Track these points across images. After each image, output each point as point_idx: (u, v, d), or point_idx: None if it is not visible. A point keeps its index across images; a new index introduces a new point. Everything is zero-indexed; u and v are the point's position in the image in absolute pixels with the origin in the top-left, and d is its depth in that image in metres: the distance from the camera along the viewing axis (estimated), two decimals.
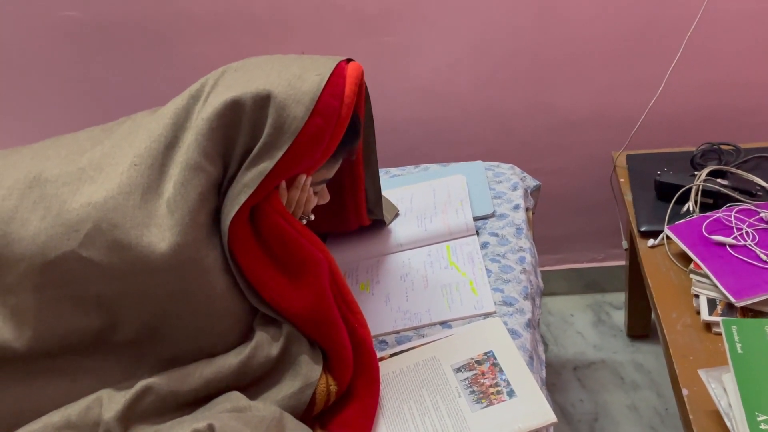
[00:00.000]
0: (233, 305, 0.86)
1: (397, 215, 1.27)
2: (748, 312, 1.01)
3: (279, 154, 0.82)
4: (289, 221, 0.86)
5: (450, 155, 1.58)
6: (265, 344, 0.85)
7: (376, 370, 0.91)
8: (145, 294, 0.81)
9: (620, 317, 1.75)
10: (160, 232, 0.79)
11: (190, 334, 0.85)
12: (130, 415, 0.79)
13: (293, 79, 0.84)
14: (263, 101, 0.82)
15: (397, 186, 1.36)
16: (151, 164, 0.82)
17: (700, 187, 1.22)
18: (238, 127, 0.83)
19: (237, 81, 0.85)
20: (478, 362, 0.95)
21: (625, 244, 1.51)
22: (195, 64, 1.49)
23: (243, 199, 0.82)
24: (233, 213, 0.82)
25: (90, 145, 0.88)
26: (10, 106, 1.58)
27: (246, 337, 0.87)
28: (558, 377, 1.61)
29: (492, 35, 1.44)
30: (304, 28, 1.45)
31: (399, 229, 1.23)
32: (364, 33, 1.45)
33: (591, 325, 1.74)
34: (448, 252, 1.18)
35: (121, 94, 1.55)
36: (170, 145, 0.83)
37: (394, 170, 1.44)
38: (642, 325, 1.65)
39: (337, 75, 0.86)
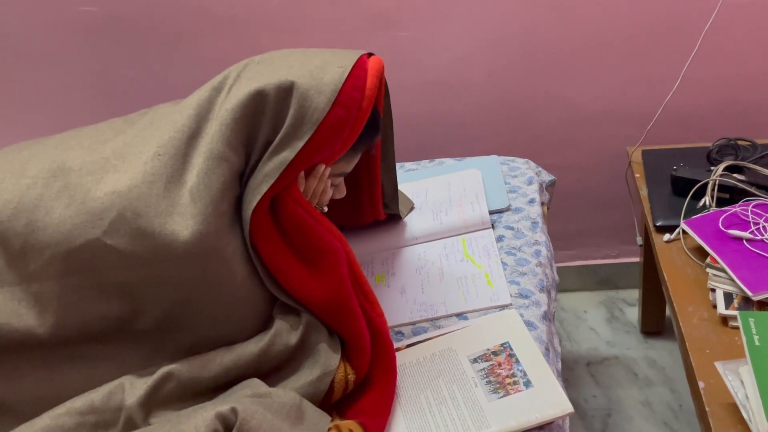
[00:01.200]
0: (253, 294, 0.87)
1: (412, 209, 1.27)
2: (765, 306, 1.01)
3: (300, 144, 0.83)
4: (308, 210, 0.87)
5: (465, 150, 1.58)
6: (284, 332, 0.86)
7: (393, 359, 0.92)
8: (166, 282, 0.82)
9: (634, 314, 1.75)
10: (183, 220, 0.80)
11: (210, 322, 0.86)
12: (151, 400, 0.80)
13: (315, 70, 0.85)
14: (286, 92, 0.83)
15: (412, 180, 1.37)
16: (174, 154, 0.83)
17: (717, 182, 1.22)
18: (261, 118, 0.84)
19: (260, 73, 0.86)
20: (495, 353, 0.95)
21: (639, 240, 1.51)
22: (211, 60, 1.51)
23: (264, 188, 0.83)
24: (255, 202, 0.83)
25: (112, 134, 0.89)
26: (29, 101, 1.60)
27: (265, 325, 0.88)
28: (571, 373, 1.61)
29: (507, 29, 1.44)
30: (320, 24, 1.46)
31: (414, 222, 1.24)
32: (379, 28, 1.45)
33: (604, 322, 1.74)
34: (464, 245, 1.18)
35: (138, 89, 1.56)
36: (193, 135, 0.84)
37: (409, 164, 1.45)
38: (656, 321, 1.65)
39: (359, 68, 0.87)
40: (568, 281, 1.81)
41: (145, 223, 0.79)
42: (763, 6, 1.37)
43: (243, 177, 0.86)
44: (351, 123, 0.86)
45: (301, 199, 0.87)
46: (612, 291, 1.82)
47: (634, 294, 1.79)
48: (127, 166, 0.83)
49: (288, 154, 0.83)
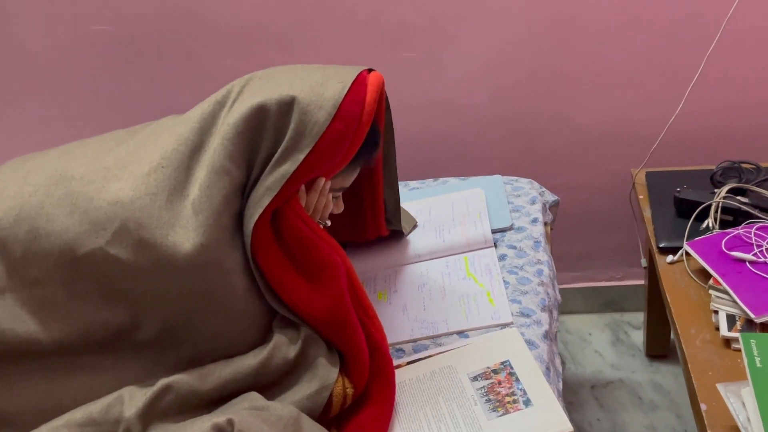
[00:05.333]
0: (252, 307, 0.88)
1: (415, 227, 1.28)
2: None
3: (301, 157, 0.84)
4: (308, 224, 0.88)
5: (469, 169, 1.59)
6: (282, 346, 0.87)
7: (392, 374, 0.92)
8: (168, 292, 0.83)
9: (639, 337, 1.73)
10: (185, 232, 0.81)
11: (210, 334, 0.86)
12: (150, 413, 0.81)
13: (316, 86, 0.86)
14: (287, 107, 0.85)
15: (416, 198, 1.38)
16: (177, 167, 0.84)
17: (720, 204, 1.22)
18: (262, 132, 0.86)
19: (262, 88, 0.88)
20: (495, 371, 0.95)
21: (644, 262, 1.51)
22: (222, 77, 1.52)
23: (266, 201, 0.84)
24: (257, 215, 0.84)
25: (115, 144, 0.91)
26: (43, 117, 1.63)
27: (264, 338, 0.89)
28: (575, 396, 1.60)
29: (512, 51, 1.46)
30: (327, 43, 1.48)
31: (417, 240, 1.24)
32: (386, 48, 1.48)
33: (609, 344, 1.73)
34: (466, 263, 1.18)
35: (150, 105, 1.59)
36: (196, 148, 0.86)
37: (413, 183, 1.46)
38: (661, 344, 1.64)
39: (359, 83, 0.88)
40: (573, 303, 1.81)
41: (148, 234, 0.80)
42: (764, 30, 1.38)
43: (245, 190, 0.87)
44: (350, 137, 0.87)
45: (303, 213, 0.88)
46: (617, 313, 1.81)
47: (640, 317, 1.78)
48: (128, 175, 0.84)
49: (289, 167, 0.84)
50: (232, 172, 0.84)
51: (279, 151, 0.85)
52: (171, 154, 0.85)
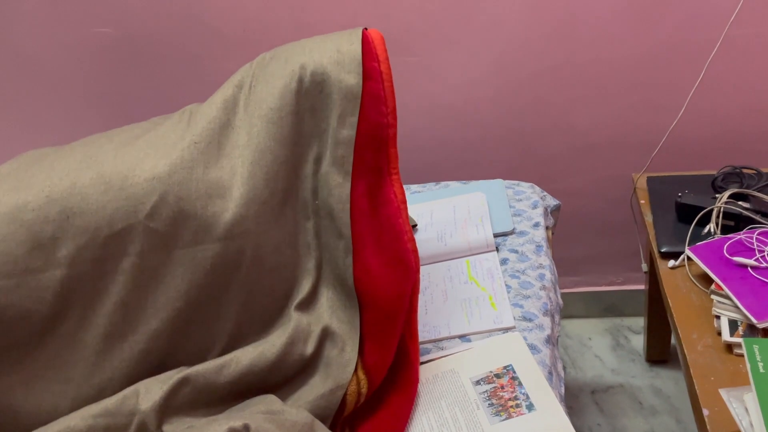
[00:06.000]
0: (276, 284, 0.90)
1: (414, 227, 1.28)
2: None
3: (354, 120, 0.88)
4: (404, 216, 0.91)
5: (470, 173, 1.59)
6: (299, 342, 0.87)
7: (415, 385, 0.92)
8: (199, 265, 0.84)
9: (639, 342, 1.73)
10: (223, 203, 0.84)
11: (232, 310, 0.88)
12: (167, 405, 0.81)
13: (334, 53, 0.89)
14: (319, 80, 0.89)
15: (418, 202, 1.38)
16: (209, 142, 0.87)
17: (722, 209, 1.22)
18: (304, 110, 0.89)
19: (282, 67, 0.90)
20: (498, 375, 0.95)
21: (644, 266, 1.51)
22: (223, 80, 1.53)
23: (349, 169, 0.88)
24: (348, 187, 0.88)
25: (141, 131, 0.93)
26: (44, 119, 1.62)
27: (279, 321, 0.90)
28: (576, 401, 1.60)
29: (514, 55, 1.47)
30: None
31: (419, 244, 1.24)
32: (388, 52, 1.48)
33: (609, 349, 1.73)
34: (468, 267, 1.18)
35: (152, 108, 1.59)
36: (224, 125, 0.89)
37: (414, 187, 1.46)
38: (661, 350, 1.64)
39: (366, 41, 0.91)
40: (573, 308, 1.81)
41: (187, 206, 0.83)
42: (766, 36, 1.39)
43: (298, 169, 0.90)
44: (382, 91, 0.90)
45: (403, 200, 0.91)
46: (617, 318, 1.81)
47: (640, 322, 1.78)
48: (161, 154, 0.86)
49: (350, 132, 0.88)
50: (275, 150, 0.87)
51: (332, 123, 0.89)
52: (202, 131, 0.88)
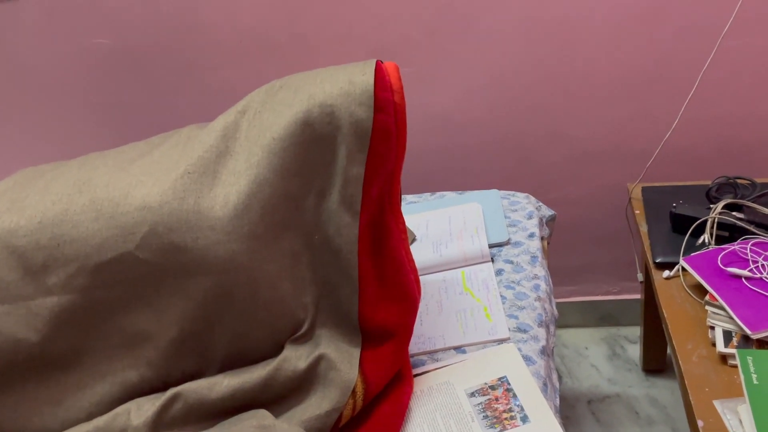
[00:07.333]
0: (270, 318, 0.88)
1: (414, 241, 1.28)
2: (765, 344, 1.00)
3: (363, 157, 0.85)
4: (406, 246, 0.89)
5: (466, 184, 1.60)
6: (292, 359, 0.87)
7: (406, 397, 0.92)
8: (191, 297, 0.83)
9: (635, 351, 1.73)
10: (216, 236, 0.81)
11: (227, 340, 0.87)
12: (159, 421, 0.81)
13: (345, 84, 0.86)
14: (329, 112, 0.85)
15: (414, 213, 1.38)
16: (203, 172, 0.84)
17: (716, 220, 1.23)
18: (311, 142, 0.86)
19: (292, 98, 0.87)
20: (492, 387, 0.95)
21: (640, 276, 1.51)
22: (220, 89, 1.54)
23: (358, 209, 0.85)
24: (356, 227, 0.86)
25: (137, 155, 0.91)
26: (42, 130, 1.63)
27: (275, 353, 0.89)
28: (572, 410, 1.59)
29: (509, 66, 1.47)
30: (326, 57, 1.49)
31: (415, 255, 1.24)
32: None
33: (606, 359, 1.73)
34: (463, 278, 1.18)
35: (149, 118, 1.59)
36: (221, 154, 0.86)
37: (410, 197, 1.46)
38: (657, 359, 1.64)
39: (380, 71, 0.88)
40: (569, 317, 1.81)
41: (178, 238, 0.81)
42: (759, 47, 1.40)
43: (299, 202, 0.87)
44: (394, 123, 0.87)
45: (404, 230, 0.89)
46: (614, 328, 1.81)
47: (636, 331, 1.78)
48: (154, 181, 0.84)
49: (359, 170, 0.85)
50: (274, 182, 0.83)
51: (340, 158, 0.86)
52: (197, 160, 0.85)
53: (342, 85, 0.86)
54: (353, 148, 0.85)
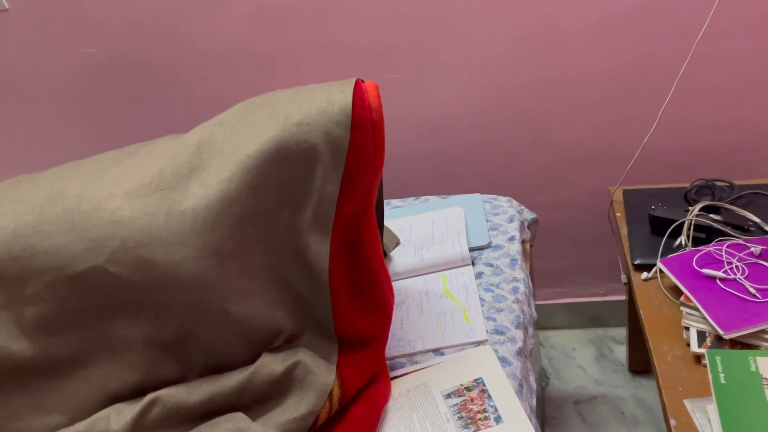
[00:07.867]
0: (244, 331, 0.88)
1: (398, 245, 1.30)
2: (737, 345, 1.02)
3: (338, 176, 0.85)
4: (380, 260, 0.91)
5: (450, 188, 1.62)
6: (269, 363, 0.88)
7: (382, 398, 0.94)
8: (167, 308, 0.84)
9: (622, 352, 1.75)
10: (185, 251, 0.81)
11: (205, 349, 0.88)
12: (138, 426, 0.82)
13: (323, 103, 0.86)
14: (306, 134, 0.84)
15: (398, 217, 1.40)
16: (175, 188, 0.84)
17: (693, 222, 1.25)
18: (286, 161, 0.85)
19: (269, 115, 0.87)
20: (468, 388, 0.97)
21: (624, 278, 1.53)
22: (208, 99, 1.56)
23: (330, 226, 0.86)
24: (327, 243, 0.86)
25: (111, 163, 0.92)
26: (31, 139, 1.65)
27: (253, 361, 0.90)
28: (559, 411, 1.61)
29: (491, 72, 1.49)
30: (312, 65, 1.51)
31: (396, 259, 1.26)
32: (369, 69, 1.51)
33: (593, 360, 1.75)
34: (444, 281, 1.20)
35: (138, 127, 1.62)
36: (194, 168, 0.86)
37: (395, 201, 1.48)
38: (643, 360, 1.65)
39: (359, 90, 0.88)
40: (556, 319, 1.83)
41: (147, 253, 0.81)
42: (733, 52, 1.42)
43: (274, 218, 0.87)
44: (372, 141, 0.87)
45: (378, 241, 0.90)
46: (600, 329, 1.83)
47: (623, 332, 1.80)
48: (126, 195, 0.85)
49: (333, 188, 0.85)
50: (245, 200, 0.83)
51: (316, 177, 0.85)
52: (170, 176, 0.85)
53: (320, 104, 0.86)
54: (329, 166, 0.85)
